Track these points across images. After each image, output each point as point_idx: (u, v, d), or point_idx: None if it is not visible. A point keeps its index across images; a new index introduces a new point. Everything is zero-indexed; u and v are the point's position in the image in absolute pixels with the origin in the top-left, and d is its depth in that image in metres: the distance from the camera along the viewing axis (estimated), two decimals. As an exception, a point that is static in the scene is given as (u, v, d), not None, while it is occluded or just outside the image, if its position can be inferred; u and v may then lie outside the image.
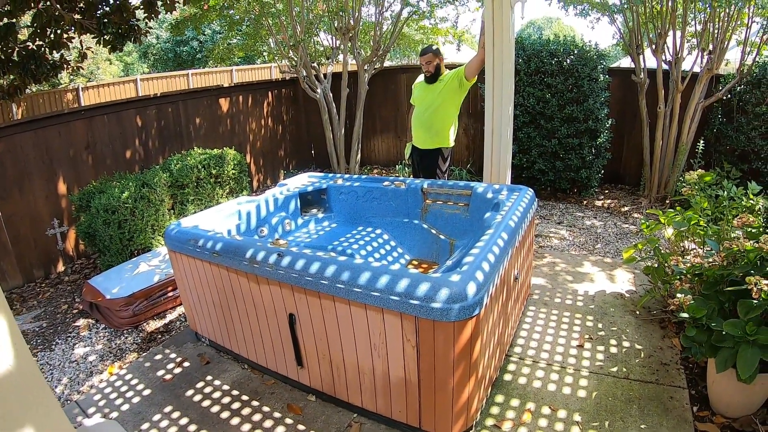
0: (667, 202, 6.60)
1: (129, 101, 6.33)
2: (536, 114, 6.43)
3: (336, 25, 7.24)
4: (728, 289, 2.66)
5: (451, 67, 5.03)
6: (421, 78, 4.75)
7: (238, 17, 7.09)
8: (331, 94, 7.83)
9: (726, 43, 6.11)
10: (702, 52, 6.31)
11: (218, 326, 3.36)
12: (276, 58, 8.06)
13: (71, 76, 14.59)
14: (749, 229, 3.00)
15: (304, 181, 4.26)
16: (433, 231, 3.74)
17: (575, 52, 6.25)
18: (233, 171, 5.84)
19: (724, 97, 6.42)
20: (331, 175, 4.36)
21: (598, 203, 6.78)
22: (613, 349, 3.39)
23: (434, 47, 4.55)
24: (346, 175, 4.25)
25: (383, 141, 8.75)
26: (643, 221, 4.06)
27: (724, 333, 2.51)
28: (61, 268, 5.60)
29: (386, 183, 3.94)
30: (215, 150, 5.93)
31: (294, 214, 4.00)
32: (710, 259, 3.09)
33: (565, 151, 6.40)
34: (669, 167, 6.69)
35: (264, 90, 8.05)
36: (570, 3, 7.02)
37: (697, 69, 6.47)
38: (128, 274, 4.53)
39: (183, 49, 21.64)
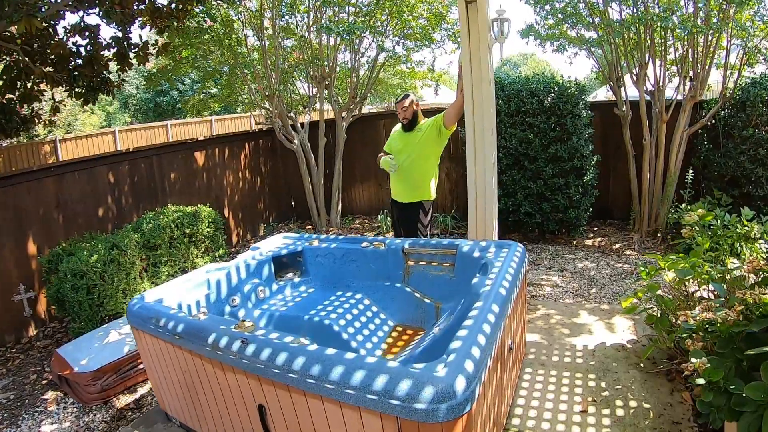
0: (659, 235, 6.41)
1: (101, 157, 6.09)
2: (519, 155, 6.25)
3: (311, 73, 7.10)
4: (749, 352, 2.39)
5: (429, 111, 4.84)
6: (398, 126, 4.55)
7: (210, 69, 6.91)
8: (309, 144, 7.62)
9: (707, 68, 6.03)
10: (684, 79, 6.22)
11: (187, 409, 3.03)
12: (253, 108, 7.89)
13: (50, 129, 14.40)
14: (764, 274, 2.77)
15: (278, 243, 3.97)
16: (417, 294, 3.46)
17: (556, 89, 6.11)
18: (208, 229, 5.55)
19: (709, 123, 6.31)
20: (307, 235, 4.08)
21: (589, 242, 6.56)
22: (620, 411, 3.09)
23: (410, 94, 4.37)
24: (323, 236, 3.97)
25: (364, 189, 8.51)
26: (642, 268, 3.83)
27: (744, 395, 2.25)
28: (32, 332, 5.31)
29: (365, 244, 3.66)
30: (189, 207, 5.65)
31: (268, 279, 3.70)
32: (722, 313, 2.83)
33: (552, 192, 6.20)
34: (658, 200, 6.52)
35: (241, 141, 7.82)
36: (546, 40, 6.96)
37: (679, 97, 6.37)
38: (98, 343, 4.22)
39: (163, 99, 21.51)
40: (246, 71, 7.03)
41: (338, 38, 6.59)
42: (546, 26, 6.92)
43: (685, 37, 5.92)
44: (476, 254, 3.28)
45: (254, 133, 8.25)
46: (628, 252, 6.17)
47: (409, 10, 6.44)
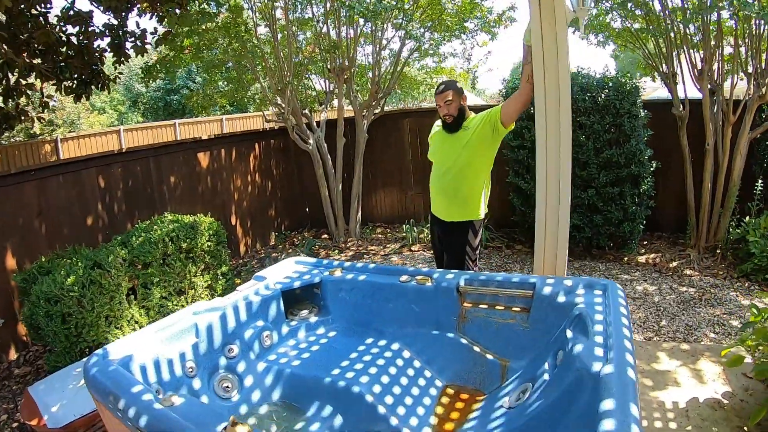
0: (718, 251, 5.49)
1: (89, 158, 5.21)
2: (568, 160, 5.27)
3: (329, 65, 6.17)
4: None
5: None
6: (438, 126, 3.51)
7: (216, 62, 5.97)
8: (325, 145, 6.69)
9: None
10: (752, 78, 5.26)
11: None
12: (263, 105, 6.97)
13: (52, 126, 13.77)
14: None
15: (288, 271, 3.02)
16: (476, 348, 2.52)
17: (610, 84, 5.15)
18: (209, 243, 4.62)
19: None
20: (326, 261, 3.10)
21: (641, 259, 5.60)
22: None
23: (456, 83, 3.32)
24: (347, 263, 3.00)
25: (386, 195, 7.51)
26: (754, 311, 2.92)
27: None
28: (13, 355, 4.58)
29: (404, 278, 2.71)
30: (187, 217, 4.74)
31: (276, 320, 2.77)
32: None
33: (604, 203, 5.23)
34: (718, 212, 5.59)
35: (250, 141, 6.88)
36: (590, 31, 6.11)
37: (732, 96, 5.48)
38: (73, 383, 3.42)
39: (173, 97, 20.41)
40: (256, 63, 6.12)
41: (361, 22, 5.68)
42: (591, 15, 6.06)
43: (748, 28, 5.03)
44: (561, 299, 2.36)
45: (265, 132, 7.34)
46: (687, 272, 5.22)
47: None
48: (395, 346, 2.60)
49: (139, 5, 4.63)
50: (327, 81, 6.90)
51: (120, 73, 5.18)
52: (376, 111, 6.71)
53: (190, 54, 5.54)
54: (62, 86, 4.64)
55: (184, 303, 4.44)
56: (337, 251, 6.45)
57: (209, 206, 6.07)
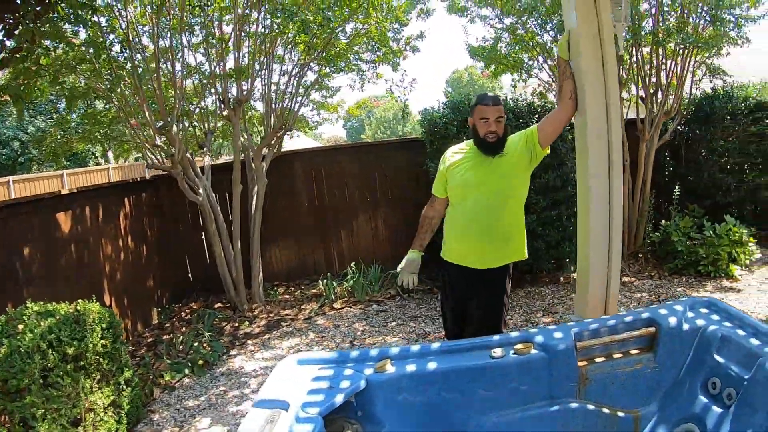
0: (640, 256, 5.85)
1: None
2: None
3: (221, 96, 5.08)
4: None
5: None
6: (459, 151, 2.77)
7: (82, 90, 4.43)
8: (214, 195, 5.54)
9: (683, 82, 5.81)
10: (654, 94, 5.81)
11: None
12: (134, 148, 5.56)
13: None
14: None
15: (303, 380, 1.84)
16: (606, 410, 1.88)
17: (539, 111, 5.05)
18: (103, 342, 3.25)
19: (669, 138, 6.04)
20: (354, 353, 2.03)
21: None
22: None
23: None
24: (393, 348, 2.10)
25: (282, 249, 6.38)
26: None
27: None
28: None
29: (497, 352, 1.90)
30: (63, 306, 3.31)
31: None
32: None
33: (543, 226, 4.98)
34: (636, 221, 5.95)
35: (117, 196, 5.27)
36: (491, 63, 6.37)
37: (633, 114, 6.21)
38: None
39: (1, 151, 16.70)
40: (127, 96, 4.78)
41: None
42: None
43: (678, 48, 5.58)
44: (686, 326, 2.01)
45: (134, 184, 5.87)
46: (624, 279, 5.32)
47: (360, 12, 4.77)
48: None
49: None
50: (205, 120, 5.81)
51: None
52: (274, 151, 5.74)
53: (48, 78, 4.03)
54: None
55: (85, 436, 3.04)
56: (246, 322, 5.24)
57: (74, 286, 4.49)
